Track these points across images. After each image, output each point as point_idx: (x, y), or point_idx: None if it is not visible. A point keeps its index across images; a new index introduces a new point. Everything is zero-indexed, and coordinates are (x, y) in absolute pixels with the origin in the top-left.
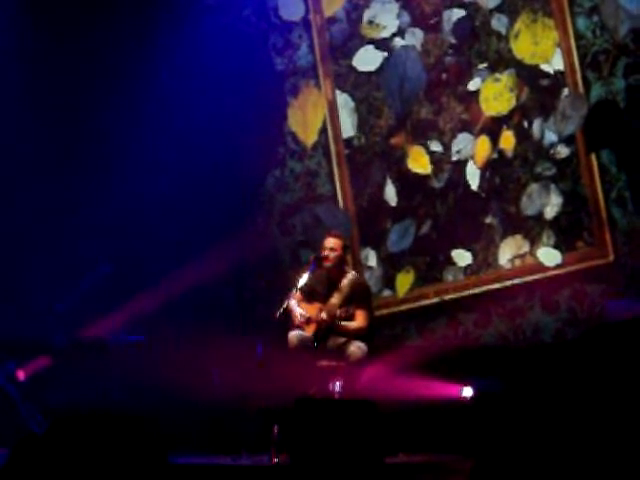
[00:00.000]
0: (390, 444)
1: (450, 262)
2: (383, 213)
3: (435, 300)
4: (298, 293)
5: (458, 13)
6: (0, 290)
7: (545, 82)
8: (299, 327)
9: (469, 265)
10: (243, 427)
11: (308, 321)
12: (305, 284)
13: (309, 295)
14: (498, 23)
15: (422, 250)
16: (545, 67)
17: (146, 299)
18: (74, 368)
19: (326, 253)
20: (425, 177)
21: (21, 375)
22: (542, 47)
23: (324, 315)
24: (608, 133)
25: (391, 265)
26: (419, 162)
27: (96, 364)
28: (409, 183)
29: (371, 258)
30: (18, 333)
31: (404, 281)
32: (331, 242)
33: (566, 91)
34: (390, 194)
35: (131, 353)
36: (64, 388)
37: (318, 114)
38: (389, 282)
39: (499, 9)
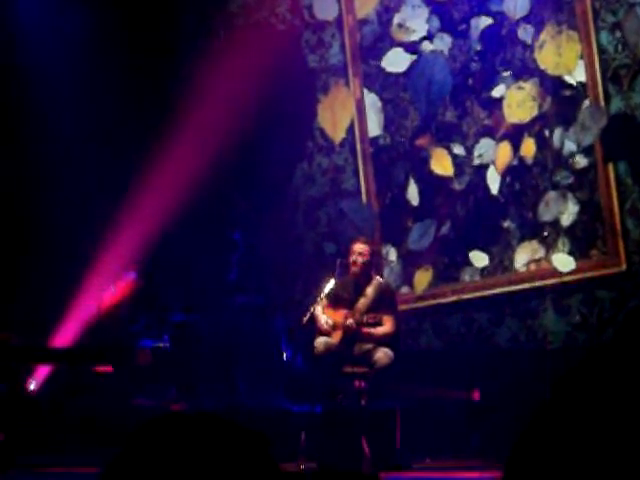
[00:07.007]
0: (417, 449)
1: (467, 263)
2: (405, 211)
3: (452, 298)
4: (324, 299)
5: (486, 21)
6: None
7: (567, 93)
8: (325, 334)
9: (486, 267)
10: (270, 434)
11: (334, 327)
12: (331, 290)
13: (335, 301)
14: (524, 33)
15: (441, 250)
16: (568, 78)
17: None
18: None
19: (354, 258)
20: (447, 179)
21: (32, 385)
22: (565, 59)
23: (350, 321)
24: (625, 146)
25: (410, 262)
26: (442, 164)
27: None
28: (431, 184)
29: (392, 254)
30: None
31: (422, 279)
32: (360, 247)
33: (587, 103)
34: (413, 193)
35: (156, 357)
36: (89, 393)
37: (346, 112)
38: (408, 279)
39: (526, 19)
